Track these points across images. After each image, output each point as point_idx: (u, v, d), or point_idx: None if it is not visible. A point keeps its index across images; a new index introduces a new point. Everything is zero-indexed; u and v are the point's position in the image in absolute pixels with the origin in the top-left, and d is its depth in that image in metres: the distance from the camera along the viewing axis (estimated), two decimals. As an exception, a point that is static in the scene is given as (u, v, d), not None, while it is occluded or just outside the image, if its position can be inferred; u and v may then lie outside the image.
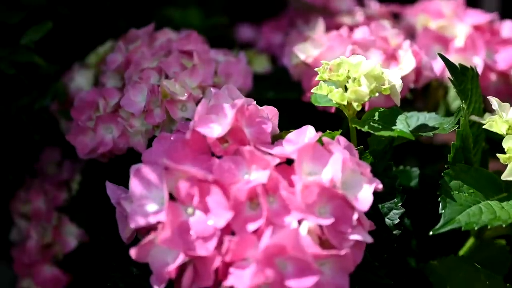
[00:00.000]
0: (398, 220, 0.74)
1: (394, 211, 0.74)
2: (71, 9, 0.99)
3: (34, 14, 0.90)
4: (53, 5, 0.95)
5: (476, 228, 0.68)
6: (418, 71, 0.84)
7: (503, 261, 0.80)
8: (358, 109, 0.71)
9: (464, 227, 0.68)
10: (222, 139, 0.68)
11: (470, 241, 0.80)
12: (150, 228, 0.65)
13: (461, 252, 0.80)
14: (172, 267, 0.63)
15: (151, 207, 0.65)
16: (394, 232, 0.74)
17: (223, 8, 1.12)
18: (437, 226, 0.68)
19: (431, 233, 0.68)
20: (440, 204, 0.69)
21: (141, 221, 0.64)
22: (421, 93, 0.96)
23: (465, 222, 0.68)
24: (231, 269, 0.62)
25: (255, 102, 0.73)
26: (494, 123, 0.73)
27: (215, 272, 0.63)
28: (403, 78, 0.80)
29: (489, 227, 0.68)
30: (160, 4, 1.07)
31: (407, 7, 1.02)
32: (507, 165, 0.70)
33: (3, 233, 0.97)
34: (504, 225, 0.68)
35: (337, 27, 0.96)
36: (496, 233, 0.80)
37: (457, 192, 0.70)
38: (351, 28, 0.92)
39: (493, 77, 0.90)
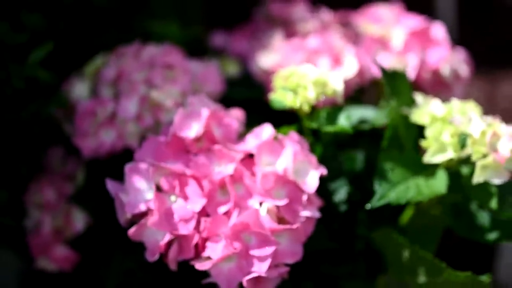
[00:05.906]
0: (344, 196, 0.89)
1: (341, 190, 0.89)
2: (67, 26, 1.11)
3: (36, 32, 1.04)
4: (51, 25, 1.08)
5: (403, 203, 0.82)
6: (361, 72, 0.99)
7: (437, 227, 0.92)
8: (308, 110, 0.85)
9: (394, 202, 0.82)
10: (197, 140, 0.82)
11: (409, 211, 0.93)
12: (143, 214, 0.79)
13: (403, 220, 0.93)
14: (161, 244, 0.76)
15: (142, 197, 0.79)
16: (342, 207, 0.89)
17: (200, 16, 1.23)
18: (372, 202, 0.82)
19: (368, 206, 0.82)
20: (375, 183, 0.84)
21: (135, 209, 0.78)
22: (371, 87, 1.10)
23: (394, 198, 0.82)
24: (207, 244, 0.76)
25: (223, 108, 0.87)
26: (418, 115, 0.87)
27: (195, 247, 0.77)
28: (347, 79, 0.95)
29: (413, 201, 0.82)
30: (141, 14, 1.19)
31: (354, 13, 1.13)
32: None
33: (13, 224, 1.04)
34: (425, 200, 0.82)
35: (295, 34, 1.09)
36: (432, 203, 0.91)
37: (389, 172, 0.84)
38: (307, 36, 1.05)
39: (426, 73, 1.02)
